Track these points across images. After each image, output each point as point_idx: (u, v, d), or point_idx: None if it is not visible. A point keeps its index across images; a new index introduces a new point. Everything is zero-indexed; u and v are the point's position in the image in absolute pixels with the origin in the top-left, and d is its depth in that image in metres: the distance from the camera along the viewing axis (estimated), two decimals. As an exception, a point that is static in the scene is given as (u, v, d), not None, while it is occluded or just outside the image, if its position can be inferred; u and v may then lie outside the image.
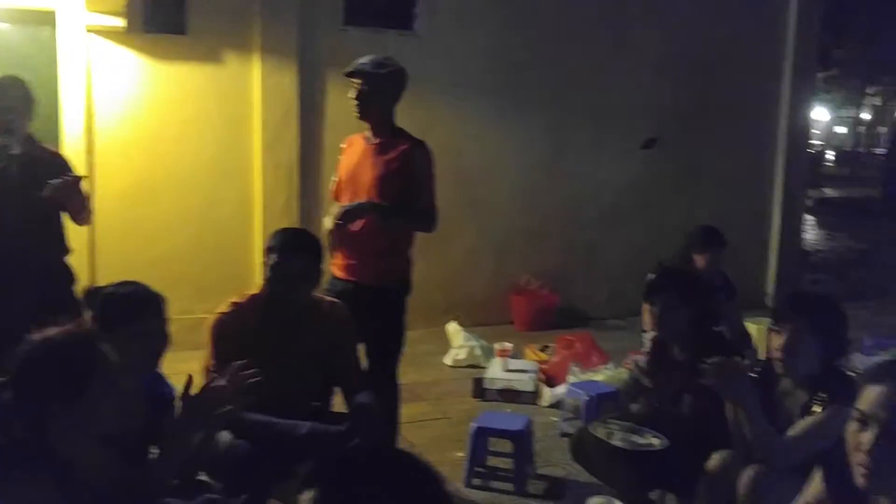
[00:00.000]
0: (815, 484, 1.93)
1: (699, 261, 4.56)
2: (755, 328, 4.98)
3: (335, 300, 3.14)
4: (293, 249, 2.85)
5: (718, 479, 2.81)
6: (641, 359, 3.42)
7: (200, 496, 2.49)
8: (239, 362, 2.36)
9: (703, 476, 2.86)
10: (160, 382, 2.63)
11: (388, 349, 3.68)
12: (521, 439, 3.83)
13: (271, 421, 2.76)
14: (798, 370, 2.71)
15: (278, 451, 2.70)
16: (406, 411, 4.69)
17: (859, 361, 4.63)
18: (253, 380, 2.33)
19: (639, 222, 7.28)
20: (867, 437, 1.64)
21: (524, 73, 6.88)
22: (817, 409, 2.63)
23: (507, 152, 6.94)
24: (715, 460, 2.84)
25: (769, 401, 2.86)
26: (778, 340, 2.71)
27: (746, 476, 2.66)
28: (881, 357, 4.75)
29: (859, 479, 1.66)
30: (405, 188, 3.51)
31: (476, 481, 3.88)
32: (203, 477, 2.73)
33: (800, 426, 2.64)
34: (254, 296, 2.93)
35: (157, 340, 2.48)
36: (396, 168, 3.51)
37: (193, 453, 2.32)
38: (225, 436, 2.72)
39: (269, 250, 2.89)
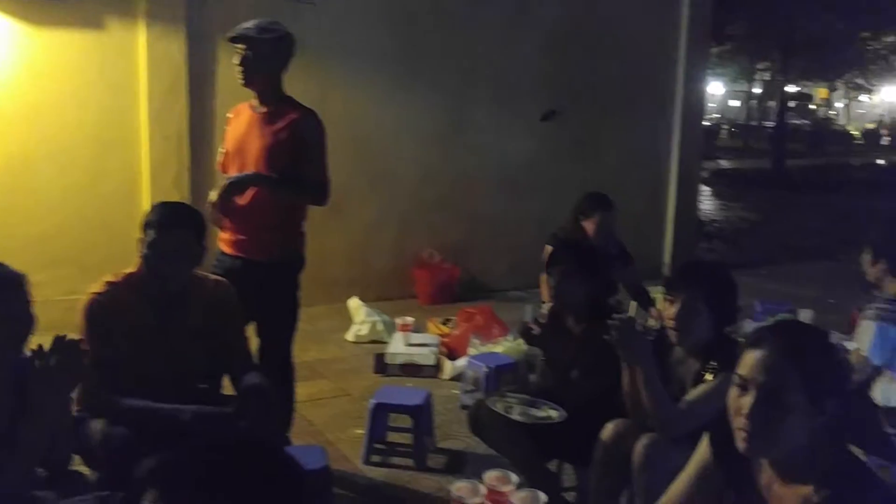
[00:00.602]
0: (703, 450, 1.93)
1: (588, 227, 4.55)
2: (659, 296, 5.05)
3: (220, 278, 2.98)
4: (171, 225, 2.68)
5: (613, 448, 2.82)
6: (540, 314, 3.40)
7: (77, 488, 2.33)
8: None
9: (598, 445, 2.86)
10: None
11: (281, 328, 3.55)
12: (420, 414, 3.77)
13: (151, 406, 2.60)
14: (690, 339, 2.73)
15: (160, 438, 2.55)
16: (306, 389, 4.62)
17: (750, 328, 4.74)
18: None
19: (539, 194, 7.30)
20: (747, 400, 1.64)
21: (423, 43, 6.77)
22: (709, 377, 2.66)
23: (407, 123, 6.83)
24: (609, 430, 2.84)
25: (662, 369, 2.89)
26: (671, 309, 2.73)
27: (640, 445, 2.67)
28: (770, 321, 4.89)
29: (740, 443, 1.66)
30: (294, 159, 3.37)
31: (375, 458, 3.82)
32: (78, 468, 2.55)
33: (692, 394, 2.66)
34: (130, 274, 2.75)
35: (20, 324, 2.28)
36: (285, 138, 3.37)
37: (55, 435, 2.16)
38: (98, 423, 2.54)
39: (145, 226, 2.71)
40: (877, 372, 3.21)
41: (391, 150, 6.80)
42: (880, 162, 25.37)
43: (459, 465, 3.81)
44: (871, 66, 35.61)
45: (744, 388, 1.66)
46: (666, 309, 2.78)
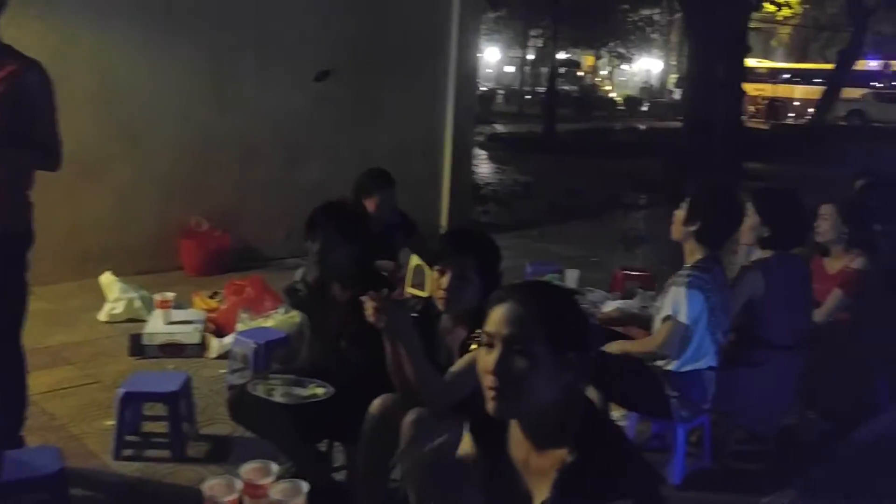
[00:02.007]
0: (464, 443, 1.86)
1: (369, 205, 4.43)
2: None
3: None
4: None
5: (381, 423, 2.70)
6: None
7: None
8: None
9: (366, 421, 2.73)
10: None
11: (7, 313, 3.09)
12: (176, 401, 3.45)
13: None
14: (459, 307, 2.66)
15: None
16: (47, 379, 4.17)
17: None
18: None
19: (315, 157, 7.05)
20: (493, 356, 1.63)
21: (180, -6, 6.23)
22: (475, 346, 2.58)
23: (167, 80, 6.28)
24: (376, 405, 2.72)
25: (430, 339, 2.80)
26: (442, 279, 2.65)
27: (408, 419, 2.57)
28: (539, 283, 5.01)
29: (490, 403, 1.64)
30: (16, 117, 2.92)
31: (127, 452, 3.45)
32: None
33: (459, 364, 2.58)
34: None
35: None
36: (3, 93, 2.89)
37: None
38: None
39: None
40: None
41: (150, 109, 6.23)
42: (640, 126, 27.35)
43: (224, 452, 3.54)
44: (630, 36, 38.34)
45: (490, 345, 1.65)
46: (435, 278, 2.69)
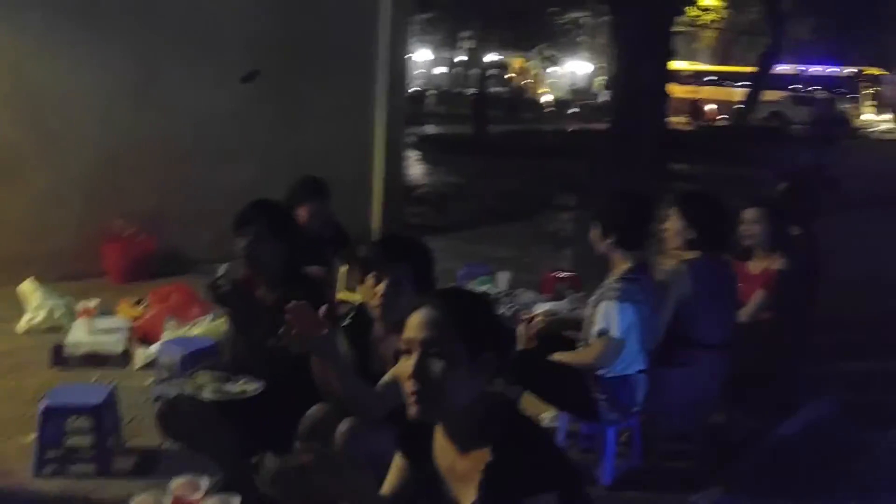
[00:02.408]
0: (396, 460, 1.87)
1: (302, 214, 4.37)
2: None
3: None
4: None
5: (314, 433, 2.66)
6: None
7: None
8: None
9: (299, 433, 2.69)
10: None
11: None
12: (101, 414, 3.34)
13: None
14: (394, 315, 2.63)
15: None
16: (-42, 394, 3.97)
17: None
18: None
19: (242, 158, 6.93)
20: (411, 362, 1.66)
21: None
22: (404, 358, 2.57)
23: (89, 80, 6.11)
24: (308, 417, 2.68)
25: (363, 347, 2.77)
26: (376, 287, 2.63)
27: (341, 430, 2.54)
28: (471, 287, 5.02)
29: (412, 408, 1.67)
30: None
31: (49, 468, 3.33)
32: None
33: (391, 373, 2.56)
34: None
35: None
36: None
37: None
38: None
39: None
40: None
41: (71, 108, 6.04)
42: (569, 128, 27.72)
43: (151, 466, 3.44)
44: (559, 38, 38.86)
45: (409, 351, 1.69)
46: (369, 287, 2.66)
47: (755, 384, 3.99)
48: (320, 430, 2.63)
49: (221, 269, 3.35)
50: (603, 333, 3.26)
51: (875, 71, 37.16)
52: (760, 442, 3.95)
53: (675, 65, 40.57)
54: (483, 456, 1.64)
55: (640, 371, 3.37)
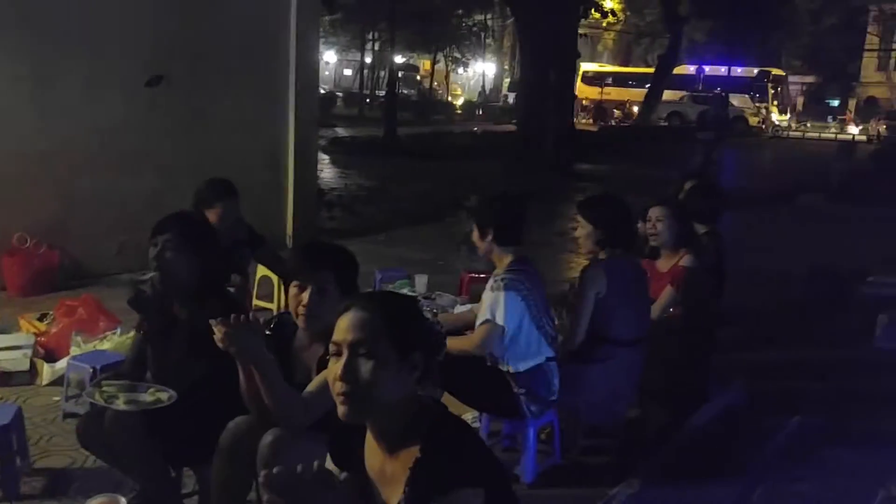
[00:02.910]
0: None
1: (211, 216, 4.27)
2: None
3: None
4: None
5: (236, 446, 2.61)
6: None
7: None
8: None
9: (219, 446, 2.63)
10: None
11: None
12: (7, 434, 3.18)
13: None
14: (320, 324, 2.60)
15: None
16: None
17: (371, 297, 4.81)
18: None
19: (148, 167, 6.72)
20: (340, 364, 1.67)
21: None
22: (332, 361, 2.55)
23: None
24: (230, 429, 2.63)
25: (286, 356, 2.74)
26: (300, 295, 2.59)
27: (265, 441, 2.50)
28: (389, 289, 5.02)
29: (341, 409, 1.67)
30: None
31: (-50, 496, 3.16)
32: None
33: (316, 381, 2.53)
34: None
35: None
36: None
37: None
38: None
39: None
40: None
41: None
42: (476, 130, 28.00)
43: (63, 486, 3.30)
44: (465, 41, 39.23)
45: (338, 353, 1.70)
46: (294, 295, 2.62)
47: (668, 378, 4.13)
48: (242, 441, 2.59)
49: (148, 275, 3.25)
50: (487, 322, 3.35)
51: (778, 72, 39.01)
52: (675, 434, 4.08)
53: (590, 66, 41.71)
54: (411, 455, 1.65)
55: (549, 359, 3.44)
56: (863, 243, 9.78)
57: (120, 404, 2.69)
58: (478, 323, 3.41)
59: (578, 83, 39.95)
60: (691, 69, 32.80)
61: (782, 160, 24.35)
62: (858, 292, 7.11)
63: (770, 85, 37.65)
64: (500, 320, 3.32)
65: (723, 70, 35.48)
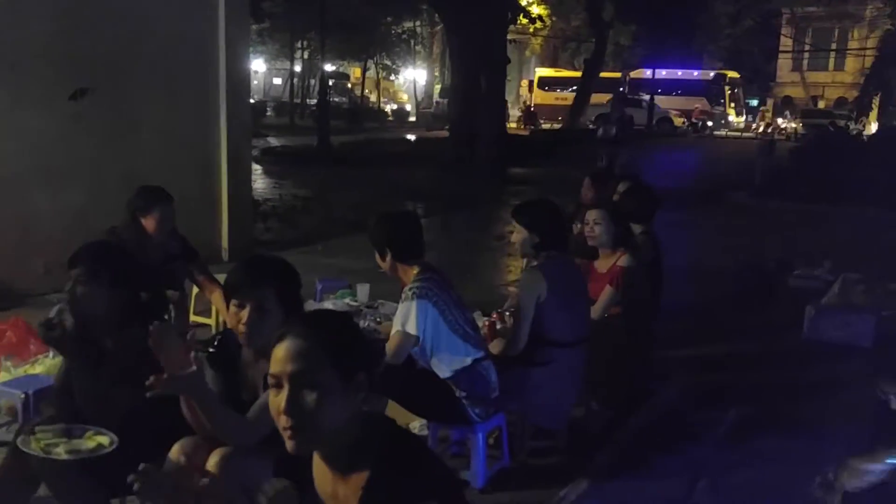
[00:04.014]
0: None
1: (149, 225, 4.18)
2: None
3: None
4: None
5: (181, 467, 2.54)
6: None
7: None
8: None
9: (166, 467, 2.56)
10: None
11: None
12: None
13: None
14: (262, 340, 2.55)
15: None
16: None
17: (313, 308, 4.76)
18: None
19: (75, 182, 6.52)
20: (283, 395, 1.61)
21: None
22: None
23: None
24: (175, 451, 2.56)
25: (231, 373, 2.69)
26: (240, 312, 2.54)
27: (213, 460, 2.46)
28: (331, 301, 4.98)
29: (288, 442, 1.62)
30: None
31: None
32: None
33: (260, 400, 2.50)
34: None
35: None
36: None
37: None
38: None
39: None
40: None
41: None
42: (409, 137, 28.03)
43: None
44: (395, 48, 39.23)
45: (278, 385, 1.63)
46: (234, 313, 2.57)
47: (610, 375, 4.19)
48: (190, 463, 2.53)
49: (55, 309, 3.11)
50: (398, 332, 3.37)
51: (734, 75, 40.02)
52: (618, 432, 4.15)
53: (543, 72, 42.09)
54: (363, 476, 1.63)
55: (478, 359, 3.44)
56: (787, 237, 10.14)
57: (61, 454, 2.58)
58: (392, 333, 3.42)
59: (535, 89, 40.55)
60: (647, 73, 33.30)
61: (709, 160, 25.04)
62: (786, 285, 7.37)
63: (727, 87, 38.56)
64: (411, 329, 3.34)
65: (680, 73, 36.28)
